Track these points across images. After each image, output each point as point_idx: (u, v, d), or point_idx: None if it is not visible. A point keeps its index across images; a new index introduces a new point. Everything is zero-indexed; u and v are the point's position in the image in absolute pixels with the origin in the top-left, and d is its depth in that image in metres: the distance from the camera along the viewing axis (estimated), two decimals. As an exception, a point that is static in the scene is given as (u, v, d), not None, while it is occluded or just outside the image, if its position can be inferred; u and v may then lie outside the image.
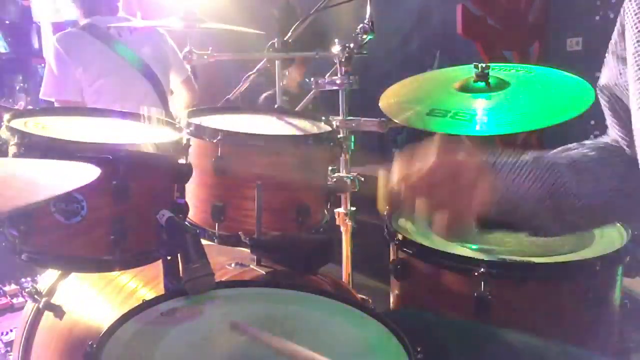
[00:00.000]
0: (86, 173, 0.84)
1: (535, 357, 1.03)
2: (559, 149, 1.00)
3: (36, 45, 4.88)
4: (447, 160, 0.90)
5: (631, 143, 0.93)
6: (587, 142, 1.02)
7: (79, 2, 2.83)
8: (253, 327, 0.94)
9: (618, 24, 0.91)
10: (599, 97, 0.99)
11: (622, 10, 0.88)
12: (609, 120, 0.99)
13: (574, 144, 1.01)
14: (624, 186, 0.94)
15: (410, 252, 1.42)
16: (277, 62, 2.01)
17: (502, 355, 1.05)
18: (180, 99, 3.00)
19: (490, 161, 0.93)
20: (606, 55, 0.95)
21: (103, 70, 2.68)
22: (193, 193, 1.44)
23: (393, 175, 0.92)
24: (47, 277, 1.54)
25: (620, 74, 0.91)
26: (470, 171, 0.90)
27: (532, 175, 0.92)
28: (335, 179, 1.62)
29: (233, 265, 1.37)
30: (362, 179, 1.78)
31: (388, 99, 1.58)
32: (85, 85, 2.68)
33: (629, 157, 0.95)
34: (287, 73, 3.93)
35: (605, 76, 0.96)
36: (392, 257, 1.49)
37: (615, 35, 0.92)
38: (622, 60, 0.90)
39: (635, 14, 0.82)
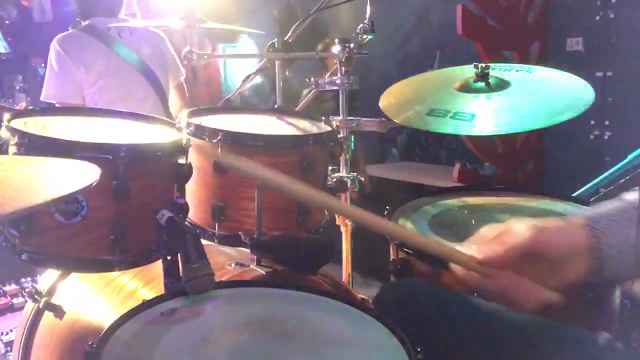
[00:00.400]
0: (87, 174, 0.84)
1: (538, 334, 1.03)
2: None
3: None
4: (534, 237, 0.85)
5: None
6: None
7: (76, 4, 2.84)
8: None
9: None
10: None
11: None
12: None
13: None
14: None
15: (410, 252, 1.42)
16: (277, 62, 2.01)
17: (504, 327, 1.05)
18: (172, 103, 3.01)
19: (586, 217, 0.88)
20: None
21: (104, 71, 2.69)
22: (193, 193, 1.44)
23: (471, 252, 0.88)
24: (47, 277, 1.54)
25: None
26: (556, 247, 0.86)
27: (634, 220, 0.85)
28: (335, 179, 1.62)
29: (233, 265, 1.37)
30: (362, 179, 1.78)
31: (388, 99, 1.58)
32: (86, 86, 2.68)
33: None
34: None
35: None
36: (392, 257, 1.49)
37: None
38: None
39: None
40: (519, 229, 0.87)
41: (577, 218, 0.89)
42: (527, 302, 0.86)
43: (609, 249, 0.85)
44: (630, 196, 0.90)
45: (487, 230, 0.90)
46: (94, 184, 0.82)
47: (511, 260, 0.85)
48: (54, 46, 2.69)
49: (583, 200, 1.59)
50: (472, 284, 0.88)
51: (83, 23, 2.77)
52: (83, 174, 0.85)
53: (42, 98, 2.73)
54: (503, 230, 0.88)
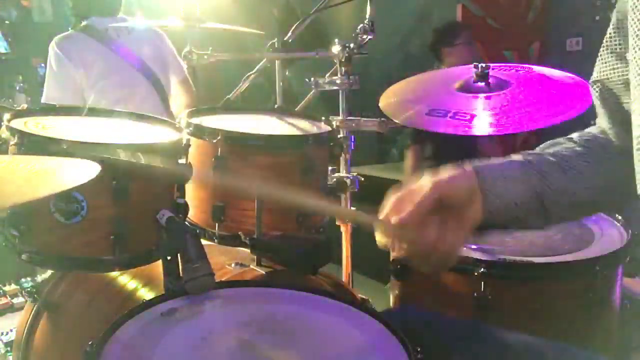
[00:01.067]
0: (87, 172, 0.84)
1: (536, 357, 1.03)
2: (547, 143, 1.01)
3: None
4: (437, 186, 0.89)
5: (619, 134, 0.95)
6: (575, 135, 1.02)
7: (71, 4, 2.83)
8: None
9: (614, 18, 0.91)
10: (591, 90, 1.00)
11: (618, 5, 0.89)
12: (599, 110, 1.00)
13: (562, 138, 1.02)
14: (610, 182, 0.95)
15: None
16: (277, 62, 2.01)
17: (502, 354, 1.05)
18: (177, 100, 3.00)
19: (475, 168, 0.93)
20: (600, 49, 0.96)
21: (104, 72, 2.68)
22: (193, 193, 1.44)
23: (384, 213, 0.91)
24: (47, 277, 1.54)
25: (614, 68, 0.92)
26: (458, 192, 0.90)
27: (518, 177, 0.93)
28: (335, 179, 1.62)
29: (233, 265, 1.37)
30: (362, 179, 1.78)
31: (388, 99, 1.58)
32: (87, 87, 2.67)
33: (616, 147, 0.96)
34: (444, 58, 3.29)
35: (598, 70, 0.97)
36: (392, 257, 1.49)
37: (610, 30, 0.93)
38: (617, 55, 0.91)
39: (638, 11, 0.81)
40: (421, 183, 0.90)
41: (468, 166, 0.94)
42: (447, 257, 0.89)
43: (491, 194, 0.91)
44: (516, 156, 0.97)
45: (394, 193, 0.92)
46: (95, 184, 0.82)
47: (424, 214, 0.88)
48: (52, 48, 2.67)
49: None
50: (403, 252, 0.91)
51: (82, 23, 2.76)
52: (83, 172, 0.85)
53: (43, 100, 2.73)
54: (408, 190, 0.91)
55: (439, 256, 0.89)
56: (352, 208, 1.82)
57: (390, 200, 0.91)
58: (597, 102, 1.00)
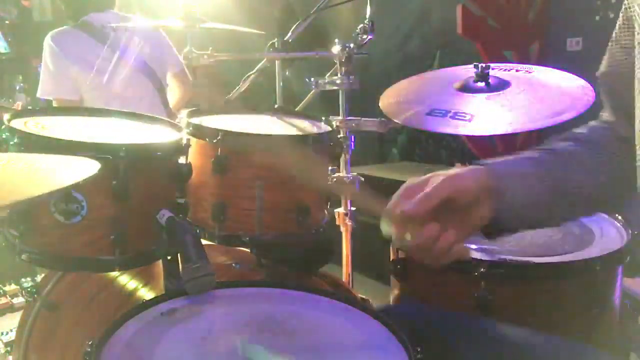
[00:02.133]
0: (86, 170, 0.84)
1: (536, 351, 1.04)
2: (554, 138, 1.02)
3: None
4: (442, 184, 0.90)
5: (624, 127, 0.97)
6: (580, 129, 1.04)
7: (63, 6, 2.82)
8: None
9: (621, 19, 0.94)
10: (599, 83, 1.02)
11: (624, 6, 0.92)
12: (605, 103, 1.03)
13: (569, 132, 1.04)
14: (613, 174, 0.97)
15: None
16: (277, 62, 2.01)
17: (503, 347, 1.05)
18: (172, 92, 2.97)
19: (488, 166, 0.94)
20: (609, 43, 0.98)
21: (100, 68, 2.66)
22: (193, 193, 1.44)
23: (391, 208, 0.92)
24: (47, 277, 1.54)
25: (621, 62, 0.95)
26: (467, 189, 0.91)
27: (533, 174, 0.93)
28: (335, 179, 1.62)
29: (233, 265, 1.37)
30: (362, 179, 1.78)
31: (388, 99, 1.58)
32: (83, 83, 2.66)
33: (620, 139, 0.98)
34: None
35: (606, 64, 0.99)
36: (392, 257, 1.49)
37: (620, 23, 0.95)
38: (625, 49, 0.94)
39: None
40: (433, 178, 0.92)
41: (480, 164, 0.95)
42: (445, 254, 0.90)
43: (507, 194, 0.91)
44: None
45: (410, 183, 0.94)
46: (95, 184, 0.82)
47: (431, 208, 0.89)
48: (47, 42, 2.65)
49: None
50: (404, 241, 0.92)
51: (79, 21, 2.75)
52: (82, 170, 0.85)
53: (38, 95, 2.71)
54: (418, 182, 0.92)
55: (438, 251, 0.90)
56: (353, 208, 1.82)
57: (400, 190, 0.93)
58: (603, 95, 1.02)
